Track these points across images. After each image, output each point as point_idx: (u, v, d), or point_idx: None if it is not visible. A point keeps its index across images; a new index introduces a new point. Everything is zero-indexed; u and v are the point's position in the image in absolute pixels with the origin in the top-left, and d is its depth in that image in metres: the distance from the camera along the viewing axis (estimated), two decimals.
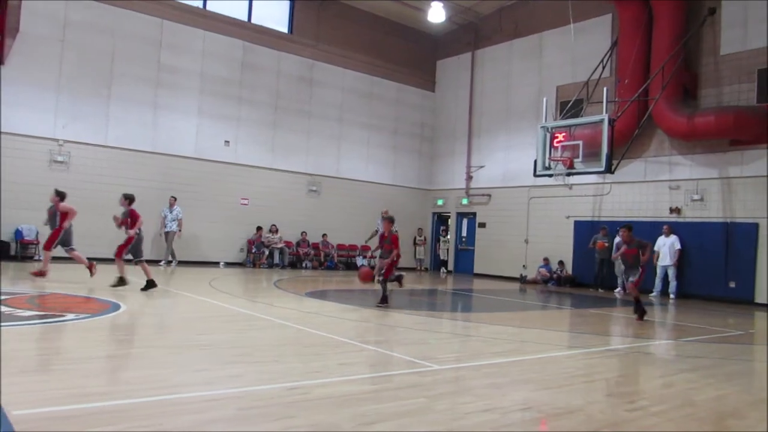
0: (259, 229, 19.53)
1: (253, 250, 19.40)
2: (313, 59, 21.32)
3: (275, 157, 20.32)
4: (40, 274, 11.44)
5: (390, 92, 23.36)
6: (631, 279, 10.48)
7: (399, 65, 23.43)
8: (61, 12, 16.48)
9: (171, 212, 17.33)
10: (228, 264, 18.80)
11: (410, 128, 24.04)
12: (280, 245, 19.77)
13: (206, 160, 18.77)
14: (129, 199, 11.09)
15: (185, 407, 3.96)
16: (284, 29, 21.13)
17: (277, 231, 19.81)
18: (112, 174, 16.89)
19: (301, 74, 21.10)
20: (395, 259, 10.25)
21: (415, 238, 23.50)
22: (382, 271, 10.32)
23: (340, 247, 21.65)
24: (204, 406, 4.02)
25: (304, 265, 20.21)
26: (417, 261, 23.49)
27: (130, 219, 10.90)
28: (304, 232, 20.56)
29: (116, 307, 8.29)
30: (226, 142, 19.27)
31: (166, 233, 17.30)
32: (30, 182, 15.72)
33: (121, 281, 10.66)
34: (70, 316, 7.23)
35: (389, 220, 10.56)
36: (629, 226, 10.51)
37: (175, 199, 17.44)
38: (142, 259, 11.11)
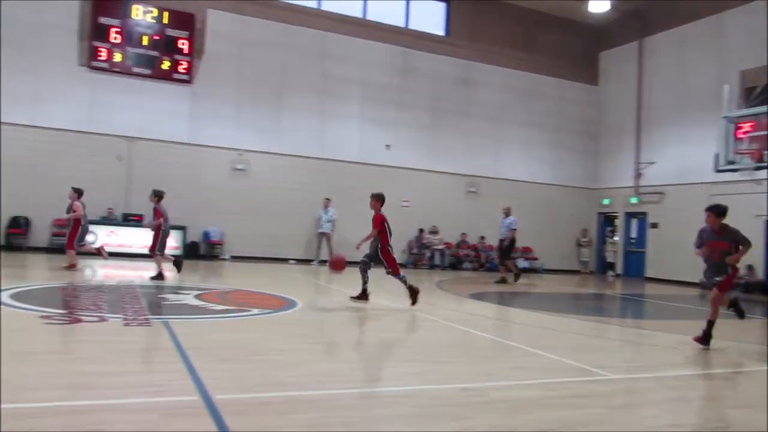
0: (421, 230, 19.86)
1: (414, 251, 19.76)
2: (470, 60, 21.27)
3: (434, 159, 20.54)
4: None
5: (550, 88, 22.62)
6: (716, 279, 7.38)
7: (558, 60, 22.61)
8: (239, 32, 18.00)
9: (326, 213, 18.14)
10: None
11: (572, 125, 23.10)
12: (440, 246, 19.95)
13: (369, 164, 19.45)
14: (158, 196, 11.68)
15: (370, 401, 4.13)
16: (440, 32, 21.31)
17: (437, 232, 20.01)
18: (286, 179, 18.16)
19: (458, 75, 21.14)
20: (374, 240, 8.97)
21: (578, 240, 22.54)
22: (386, 265, 9.02)
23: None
24: (387, 401, 4.16)
25: (464, 266, 20.20)
26: (581, 263, 22.51)
27: (154, 215, 11.61)
28: (464, 233, 20.56)
29: (293, 303, 8.85)
30: (387, 145, 19.84)
31: (320, 234, 18.13)
32: (215, 188, 17.37)
33: (160, 276, 11.18)
34: (255, 311, 7.84)
35: (376, 198, 9.33)
36: (719, 207, 7.30)
37: (330, 201, 18.21)
38: (163, 252, 11.69)
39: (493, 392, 4.54)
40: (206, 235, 17.34)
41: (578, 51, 23.13)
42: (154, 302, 8.04)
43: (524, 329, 8.21)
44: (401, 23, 20.64)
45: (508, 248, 15.50)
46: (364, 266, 9.07)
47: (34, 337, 5.52)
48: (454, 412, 3.99)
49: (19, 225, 15.73)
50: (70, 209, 12.45)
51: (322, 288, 12.60)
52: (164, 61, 17.09)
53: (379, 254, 9.01)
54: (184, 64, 17.31)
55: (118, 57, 16.67)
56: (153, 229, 11.63)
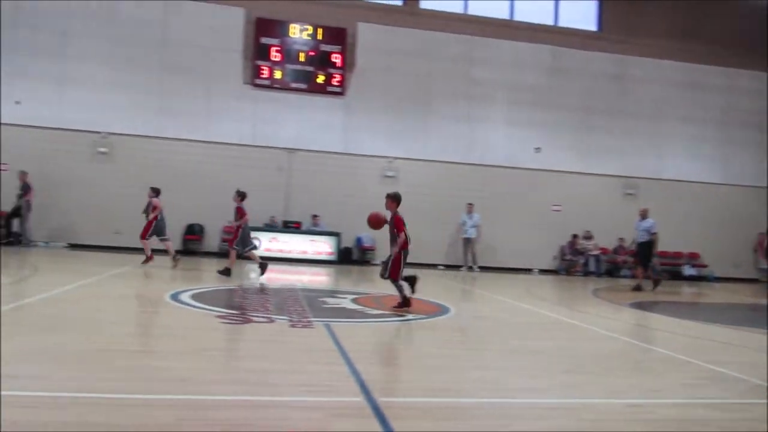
0: (574, 236, 19.11)
1: (567, 258, 19.05)
2: (625, 54, 20.13)
3: (586, 161, 19.69)
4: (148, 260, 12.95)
5: (715, 79, 20.77)
6: None
7: (725, 47, 20.66)
8: (387, 43, 18.51)
9: (470, 219, 17.97)
10: (541, 271, 18.79)
11: (742, 117, 21.01)
12: (595, 252, 19.06)
13: (517, 167, 19.09)
14: (241, 196, 12.15)
15: (530, 412, 4.05)
16: (593, 27, 20.41)
17: (591, 237, 19.14)
18: (433, 185, 18.35)
19: (612, 72, 20.10)
20: (399, 249, 8.22)
21: (755, 245, 20.43)
22: (389, 268, 8.35)
23: (662, 254, 19.92)
24: (546, 413, 4.05)
25: (621, 273, 19.12)
26: (760, 271, 20.37)
27: (237, 214, 12.02)
28: (621, 238, 19.47)
29: (446, 309, 8.91)
30: (537, 148, 19.34)
31: (466, 239, 18.00)
32: (367, 195, 17.96)
33: (227, 271, 11.69)
34: (410, 316, 7.99)
35: (392, 198, 8.63)
36: None
37: (473, 206, 18.02)
38: (250, 248, 12.31)
39: (663, 410, 4.25)
40: (359, 240, 17.98)
41: (746, 35, 20.98)
42: (314, 305, 8.49)
43: (694, 342, 7.60)
44: (550, 21, 20.05)
45: (647, 253, 14.27)
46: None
47: (212, 335, 6.06)
48: (623, 428, 3.80)
49: (194, 231, 17.34)
50: (149, 207, 13.26)
51: (474, 294, 12.55)
52: (319, 76, 18.03)
53: (390, 255, 8.42)
54: (338, 78, 18.13)
55: (278, 74, 17.88)
56: (236, 227, 12.31)
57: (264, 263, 12.19)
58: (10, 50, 16.54)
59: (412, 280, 8.46)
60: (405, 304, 8.22)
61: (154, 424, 3.28)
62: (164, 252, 13.52)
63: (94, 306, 7.31)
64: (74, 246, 16.65)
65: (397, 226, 8.31)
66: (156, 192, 13.42)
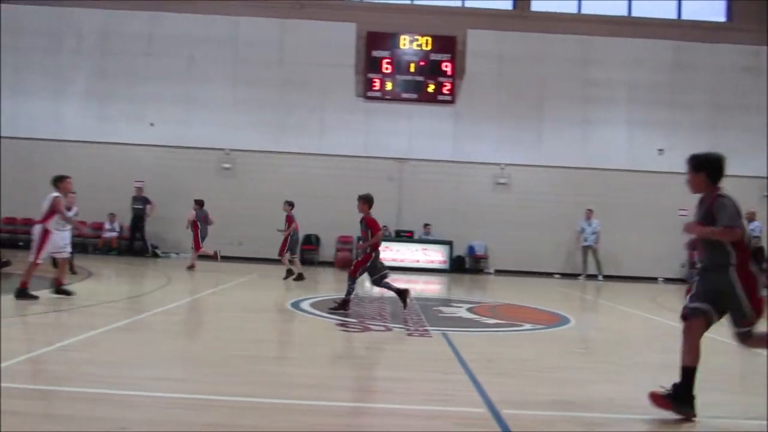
0: None
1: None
2: (758, 44, 18.56)
3: None
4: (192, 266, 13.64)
5: None
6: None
7: None
8: (498, 49, 18.27)
9: (589, 225, 17.17)
10: (668, 280, 17.68)
11: None
12: None
13: (638, 170, 18.12)
14: (291, 205, 12.74)
15: (666, 429, 3.79)
16: (721, 18, 19.04)
17: None
18: (548, 191, 17.84)
19: (744, 64, 18.60)
20: (371, 247, 8.15)
21: None
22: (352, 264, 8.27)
23: None
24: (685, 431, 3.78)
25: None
26: None
27: (286, 222, 12.56)
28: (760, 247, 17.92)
29: (565, 320, 8.59)
30: (660, 150, 18.27)
31: (585, 247, 17.21)
32: (478, 203, 17.80)
33: (290, 273, 12.27)
34: (527, 325, 7.79)
35: (364, 200, 8.70)
36: None
37: (592, 212, 17.22)
38: (296, 255, 13.00)
39: None
40: (471, 249, 17.80)
41: None
42: (430, 314, 8.47)
43: None
44: (672, 15, 18.93)
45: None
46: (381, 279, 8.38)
47: (333, 343, 6.21)
48: None
49: (310, 242, 17.92)
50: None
51: (594, 304, 12.03)
52: (429, 85, 18.12)
53: (357, 253, 8.44)
54: (448, 86, 18.13)
55: (389, 85, 18.16)
56: (285, 235, 12.81)
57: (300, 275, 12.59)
58: (145, 78, 17.99)
59: (403, 294, 8.32)
60: (342, 306, 7.98)
61: (286, 428, 3.40)
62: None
63: (223, 313, 7.72)
64: (201, 257, 17.72)
65: (371, 226, 8.35)
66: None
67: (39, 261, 7.60)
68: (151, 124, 17.94)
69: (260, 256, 16.96)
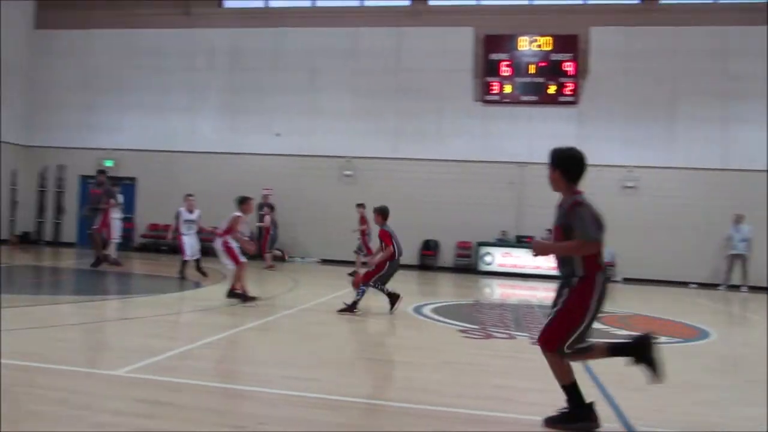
0: None
1: None
2: None
3: None
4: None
5: None
6: None
7: None
8: (624, 45, 17.40)
9: (738, 232, 15.73)
10: None
11: None
12: None
13: None
14: (362, 206, 13.48)
15: None
16: None
17: None
18: (682, 195, 16.70)
19: None
20: (386, 258, 8.27)
21: None
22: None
23: None
24: None
25: None
26: None
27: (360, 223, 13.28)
28: None
29: (705, 333, 8.00)
30: None
31: (733, 255, 15.77)
32: (604, 207, 16.97)
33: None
34: (663, 339, 7.32)
35: (378, 212, 8.87)
36: None
37: (743, 217, 15.78)
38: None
39: None
40: None
41: None
42: None
43: None
44: None
45: None
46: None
47: (456, 349, 6.18)
48: None
49: (429, 247, 17.98)
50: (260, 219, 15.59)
51: (736, 317, 11.11)
52: (550, 86, 17.60)
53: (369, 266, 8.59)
54: (570, 86, 17.53)
55: (507, 88, 17.85)
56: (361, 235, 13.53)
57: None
58: (272, 91, 18.94)
59: (394, 298, 8.37)
60: (350, 309, 8.08)
61: None
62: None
63: (347, 317, 7.94)
64: (325, 261, 18.35)
65: (384, 239, 8.55)
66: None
67: (240, 263, 8.38)
68: (278, 135, 18.85)
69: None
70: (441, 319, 7.97)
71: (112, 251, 13.21)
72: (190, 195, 11.79)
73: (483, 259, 17.26)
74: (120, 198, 13.85)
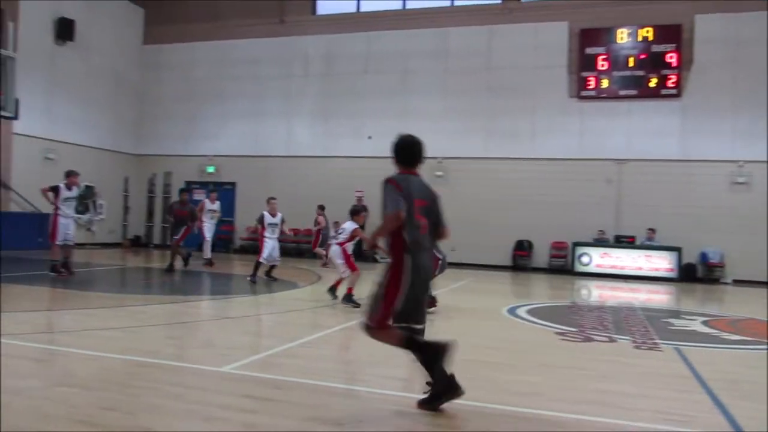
0: None
1: None
2: None
3: None
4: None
5: None
6: None
7: None
8: (733, 33, 16.33)
9: None
10: None
11: None
12: None
13: None
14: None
15: None
16: None
17: None
18: None
19: None
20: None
21: None
22: None
23: None
24: None
25: None
26: None
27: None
28: None
29: None
30: None
31: None
32: (711, 205, 16.06)
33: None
34: None
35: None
36: None
37: None
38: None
39: None
40: (703, 256, 16.08)
41: None
42: (658, 326, 7.83)
43: None
44: None
45: None
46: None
47: (554, 351, 6.03)
48: None
49: (523, 248, 17.63)
50: (316, 222, 15.98)
51: None
52: (651, 79, 16.80)
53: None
54: (673, 78, 16.66)
55: (604, 83, 17.21)
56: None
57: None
58: (364, 94, 19.23)
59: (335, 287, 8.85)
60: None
61: None
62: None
63: (442, 317, 7.93)
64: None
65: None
66: (321, 208, 15.40)
67: (356, 269, 8.70)
68: (369, 137, 19.12)
69: (472, 261, 17.14)
70: (537, 320, 7.80)
71: (206, 251, 13.92)
72: (272, 198, 11.78)
73: (579, 260, 16.73)
74: (214, 205, 14.52)
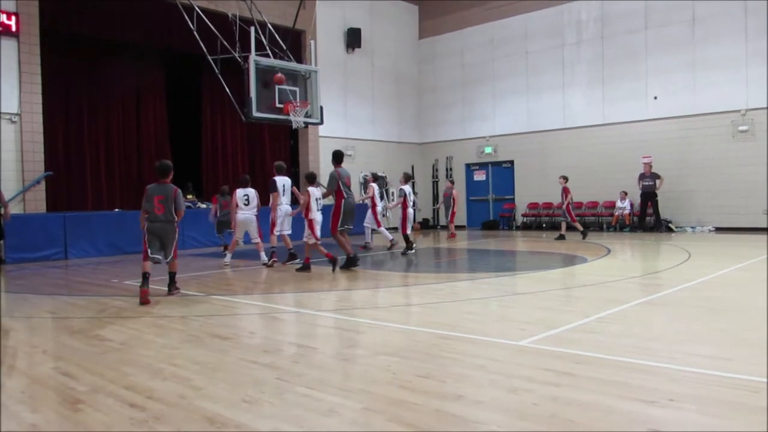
0: None
1: None
2: None
3: None
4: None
5: None
6: None
7: None
8: None
9: None
10: None
11: None
12: None
13: None
14: (566, 178, 13.49)
15: None
16: None
17: None
18: None
19: None
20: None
21: None
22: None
23: None
24: None
25: None
26: None
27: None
28: None
29: None
30: None
31: None
32: None
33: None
34: None
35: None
36: None
37: None
38: None
39: None
40: None
41: None
42: None
43: None
44: None
45: None
46: None
47: None
48: None
49: None
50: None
51: None
52: None
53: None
54: None
55: None
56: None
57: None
58: (645, 51, 17.73)
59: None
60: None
61: None
62: None
63: (750, 291, 7.04)
64: (719, 230, 16.47)
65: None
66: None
67: None
68: (655, 98, 17.59)
69: None
70: None
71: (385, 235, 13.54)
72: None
73: None
74: (406, 190, 13.63)
